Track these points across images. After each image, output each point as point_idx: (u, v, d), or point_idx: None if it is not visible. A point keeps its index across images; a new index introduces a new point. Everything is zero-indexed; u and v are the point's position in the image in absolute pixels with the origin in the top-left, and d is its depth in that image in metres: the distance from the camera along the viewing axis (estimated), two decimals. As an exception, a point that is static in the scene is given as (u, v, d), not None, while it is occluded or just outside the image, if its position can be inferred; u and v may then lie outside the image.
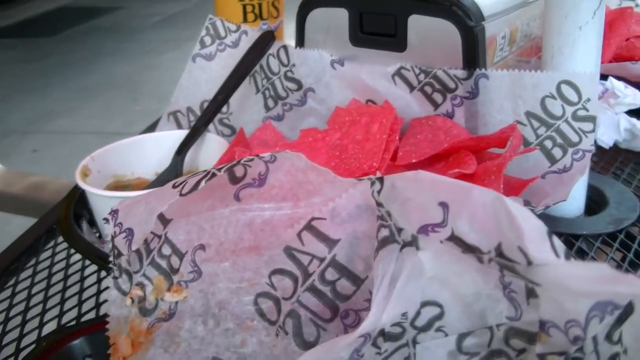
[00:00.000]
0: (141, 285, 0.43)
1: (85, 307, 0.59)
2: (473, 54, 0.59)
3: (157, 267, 0.42)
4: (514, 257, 0.31)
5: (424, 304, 0.37)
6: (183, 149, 0.66)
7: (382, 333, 0.36)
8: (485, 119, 0.59)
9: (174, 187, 0.39)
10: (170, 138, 0.68)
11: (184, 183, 0.39)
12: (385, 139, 0.55)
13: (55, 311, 0.60)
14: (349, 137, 0.57)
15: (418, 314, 0.37)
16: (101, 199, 0.58)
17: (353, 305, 0.40)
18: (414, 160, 0.54)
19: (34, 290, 0.64)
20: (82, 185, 0.59)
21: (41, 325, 0.58)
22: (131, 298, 0.43)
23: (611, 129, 0.82)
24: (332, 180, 0.39)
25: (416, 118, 0.61)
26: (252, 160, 0.39)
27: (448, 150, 0.54)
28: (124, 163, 0.68)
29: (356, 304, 0.40)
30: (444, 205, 0.34)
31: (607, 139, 0.82)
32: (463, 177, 0.50)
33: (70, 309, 0.59)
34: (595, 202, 0.67)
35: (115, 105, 3.76)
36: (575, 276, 0.30)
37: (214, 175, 0.38)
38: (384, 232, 0.37)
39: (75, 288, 0.62)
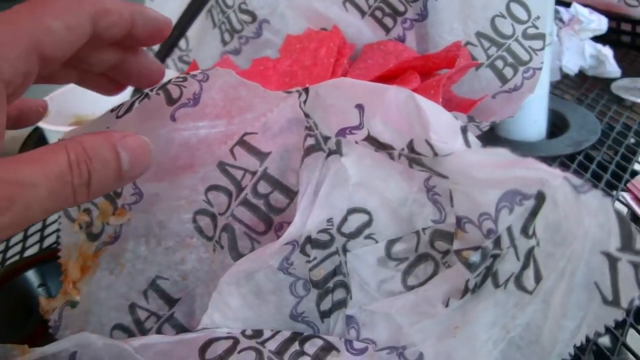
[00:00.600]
0: (87, 211, 0.43)
1: (29, 241, 0.60)
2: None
3: None
4: (421, 151, 0.32)
5: (351, 210, 0.37)
6: (141, 85, 0.66)
7: (309, 240, 0.37)
8: (436, 41, 0.59)
9: (112, 111, 0.39)
10: (129, 76, 0.68)
11: (120, 106, 0.39)
12: (332, 63, 0.55)
13: (18, 247, 0.61)
14: (298, 63, 0.57)
15: (345, 220, 0.37)
16: (58, 135, 0.59)
17: (287, 217, 0.40)
18: (361, 82, 0.54)
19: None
20: (41, 124, 0.59)
21: (4, 260, 0.59)
22: (79, 224, 0.43)
23: (576, 56, 0.82)
24: (262, 95, 0.39)
25: (368, 44, 0.61)
26: (185, 80, 0.38)
27: (395, 71, 0.54)
28: (84, 102, 0.68)
29: (290, 216, 0.40)
30: (359, 107, 0.34)
31: (572, 66, 0.82)
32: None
33: (32, 245, 0.60)
34: (557, 127, 0.68)
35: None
36: (478, 163, 0.30)
37: (147, 95, 0.38)
38: (310, 141, 0.37)
39: (38, 225, 0.63)
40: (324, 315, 0.38)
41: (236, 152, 0.39)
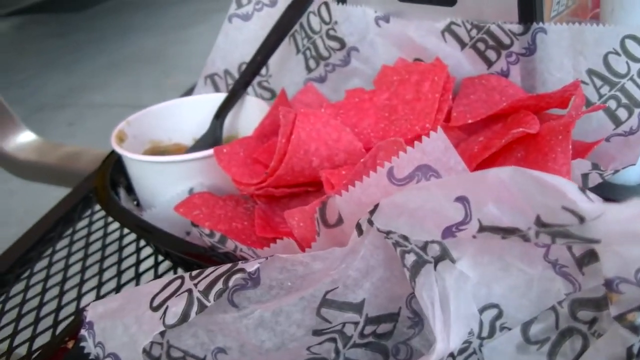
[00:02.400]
0: None
1: (125, 277, 0.57)
2: (530, 7, 0.55)
3: None
4: (561, 221, 0.28)
5: (480, 310, 0.35)
6: (222, 112, 0.63)
7: (452, 354, 0.34)
8: (544, 77, 0.55)
9: (153, 309, 0.36)
10: (208, 102, 0.66)
11: (165, 307, 0.35)
12: (437, 99, 0.51)
13: (94, 281, 0.58)
14: (398, 97, 0.54)
15: (481, 324, 0.35)
16: (139, 165, 0.56)
17: (399, 337, 0.38)
18: (469, 121, 0.50)
19: (71, 260, 0.62)
20: (119, 150, 0.57)
21: (79, 296, 0.57)
22: None
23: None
24: (333, 256, 0.36)
25: (468, 77, 0.58)
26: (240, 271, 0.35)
27: (506, 110, 0.50)
28: (161, 128, 0.66)
29: (401, 335, 0.38)
30: (462, 200, 0.31)
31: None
32: (525, 139, 0.46)
33: (109, 280, 0.58)
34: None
35: (146, 79, 3.75)
36: (634, 217, 0.27)
37: (203, 306, 0.34)
38: (411, 258, 0.34)
39: (114, 258, 0.60)
40: None
41: (326, 315, 0.37)
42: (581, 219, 0.28)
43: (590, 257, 0.33)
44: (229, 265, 0.37)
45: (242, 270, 0.35)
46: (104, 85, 3.74)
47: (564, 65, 0.54)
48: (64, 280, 0.59)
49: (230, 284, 0.35)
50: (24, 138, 1.25)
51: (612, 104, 0.53)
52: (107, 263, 0.60)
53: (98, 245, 0.63)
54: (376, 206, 0.34)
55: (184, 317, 0.35)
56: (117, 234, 0.64)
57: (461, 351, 0.35)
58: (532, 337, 0.35)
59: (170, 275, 0.39)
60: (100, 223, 0.67)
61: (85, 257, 0.62)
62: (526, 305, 0.35)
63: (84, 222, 0.68)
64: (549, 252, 0.34)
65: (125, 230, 0.63)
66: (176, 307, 0.35)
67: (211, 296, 0.35)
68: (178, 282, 0.37)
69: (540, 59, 0.55)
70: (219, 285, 0.35)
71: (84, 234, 0.66)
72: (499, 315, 0.35)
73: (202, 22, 4.53)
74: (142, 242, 0.61)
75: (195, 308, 0.35)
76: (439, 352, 0.32)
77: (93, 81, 3.83)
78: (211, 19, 4.54)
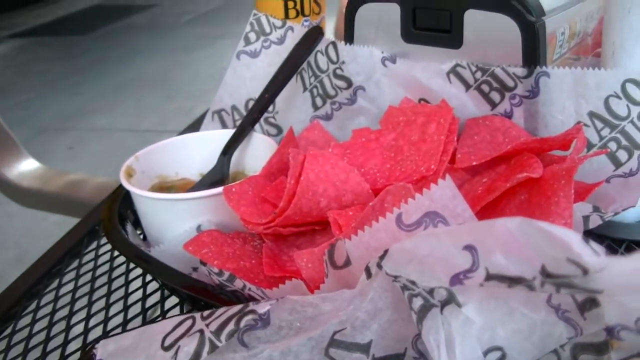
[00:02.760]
0: None
1: (132, 312, 0.57)
2: (534, 51, 0.56)
3: None
4: (565, 272, 0.29)
5: (484, 353, 0.36)
6: (229, 149, 0.64)
7: None
8: (546, 120, 0.57)
9: (165, 348, 0.37)
10: (215, 138, 0.67)
11: (177, 347, 0.36)
12: (443, 140, 0.52)
13: (100, 316, 0.58)
14: (404, 137, 0.55)
15: None
16: (146, 201, 0.57)
17: None
18: (474, 163, 0.51)
19: (77, 294, 0.63)
20: (128, 186, 0.58)
21: (86, 331, 0.57)
22: None
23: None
24: (342, 298, 0.37)
25: (472, 118, 0.59)
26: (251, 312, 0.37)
27: (509, 152, 0.51)
28: (168, 163, 0.66)
29: None
30: (470, 248, 0.32)
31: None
32: (528, 181, 0.47)
33: (115, 314, 0.58)
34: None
35: (150, 103, 3.78)
36: (635, 270, 0.28)
37: (214, 346, 0.36)
38: (418, 302, 0.35)
39: (120, 292, 0.61)
40: None
41: (334, 355, 0.37)
42: (585, 271, 0.29)
43: (591, 303, 0.34)
44: (240, 306, 0.37)
45: (253, 311, 0.36)
46: (106, 109, 3.77)
47: (565, 108, 0.56)
48: (71, 314, 0.60)
49: (242, 324, 0.36)
50: (27, 166, 1.26)
51: (613, 145, 0.54)
52: (113, 297, 0.60)
53: (104, 279, 0.64)
54: (386, 251, 0.35)
55: (196, 357, 0.35)
56: (123, 268, 0.64)
57: None
58: None
59: (181, 315, 0.39)
60: (107, 257, 0.67)
61: (91, 291, 0.62)
62: (529, 348, 0.36)
63: (90, 256, 0.69)
64: (552, 297, 0.34)
65: (132, 264, 0.64)
66: (188, 347, 0.36)
67: (223, 337, 0.35)
68: (190, 322, 0.38)
69: (543, 102, 0.56)
70: (231, 326, 0.36)
71: (91, 267, 0.66)
72: (503, 357, 0.36)
73: (206, 47, 4.57)
74: (149, 277, 0.61)
75: (207, 348, 0.35)
76: None
77: (95, 104, 3.86)
78: (214, 44, 4.59)
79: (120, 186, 0.63)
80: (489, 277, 0.32)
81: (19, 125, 3.50)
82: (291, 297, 0.37)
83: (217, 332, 0.35)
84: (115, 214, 0.60)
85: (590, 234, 0.57)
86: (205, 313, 0.37)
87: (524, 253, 0.30)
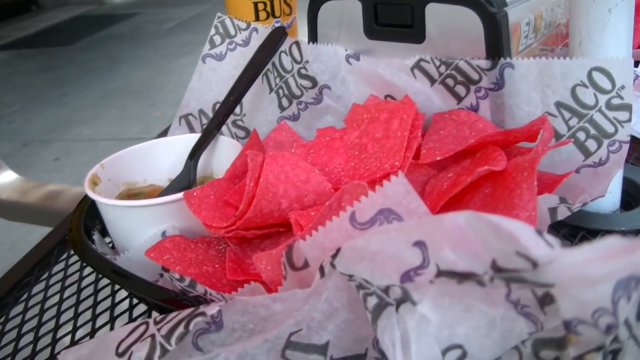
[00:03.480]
0: None
1: (99, 321, 0.56)
2: (496, 43, 0.56)
3: None
4: (515, 266, 0.28)
5: (443, 351, 0.35)
6: (195, 153, 0.63)
7: None
8: (512, 111, 0.56)
9: (119, 355, 0.36)
10: (182, 142, 0.66)
11: (130, 353, 0.36)
12: (407, 136, 0.51)
13: (68, 326, 0.57)
14: (368, 135, 0.54)
15: None
16: (111, 209, 0.56)
17: None
18: (438, 158, 0.51)
19: (46, 305, 0.62)
20: (91, 194, 0.57)
21: (54, 341, 0.56)
22: None
23: (644, 118, 0.78)
24: (294, 298, 0.37)
25: (438, 113, 0.58)
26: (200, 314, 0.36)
27: (474, 146, 0.50)
28: (135, 170, 0.65)
29: None
30: (419, 244, 0.31)
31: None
32: (492, 175, 0.46)
33: (84, 324, 0.57)
34: (631, 196, 0.63)
35: (134, 112, 3.76)
36: (586, 261, 0.27)
37: (165, 351, 0.35)
38: (373, 300, 0.34)
39: (89, 302, 0.60)
40: None
41: (290, 357, 0.37)
42: (534, 264, 0.28)
43: (551, 297, 0.33)
44: (190, 309, 0.36)
45: (202, 313, 0.35)
46: (91, 119, 3.75)
47: (532, 99, 0.55)
48: (39, 325, 0.59)
49: (191, 327, 0.35)
50: (5, 178, 1.25)
51: (581, 135, 0.53)
52: (82, 307, 0.59)
53: (74, 289, 0.63)
54: (338, 250, 0.34)
55: None
56: (92, 277, 0.63)
57: None
58: None
59: (136, 322, 0.39)
60: (76, 266, 0.66)
61: (60, 301, 0.61)
62: (490, 345, 0.35)
63: (60, 266, 0.68)
64: (511, 293, 0.33)
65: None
66: (140, 352, 0.35)
67: (172, 340, 0.35)
68: (143, 327, 0.37)
69: (509, 94, 0.55)
70: (180, 329, 0.35)
71: (60, 277, 0.65)
72: (463, 355, 0.35)
73: (189, 54, 4.56)
74: (117, 285, 0.60)
75: (157, 353, 0.35)
76: None
77: (80, 115, 3.84)
78: (198, 51, 4.53)
79: (87, 196, 0.62)
80: (440, 273, 0.31)
81: (4, 138, 3.48)
82: (241, 298, 0.36)
83: (167, 336, 0.35)
84: (81, 224, 0.59)
85: (565, 226, 0.57)
86: (158, 318, 0.37)
87: (473, 247, 0.30)
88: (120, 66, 4.73)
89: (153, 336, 0.35)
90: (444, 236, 0.30)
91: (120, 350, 0.36)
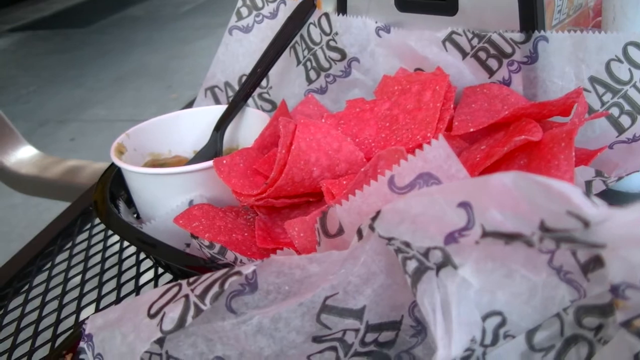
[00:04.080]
0: None
1: (125, 290, 0.56)
2: (531, 15, 0.55)
3: None
4: (565, 226, 0.27)
5: (483, 317, 0.34)
6: (222, 124, 0.63)
7: None
8: (545, 86, 0.55)
9: (151, 316, 0.36)
10: (208, 114, 0.65)
11: (162, 314, 0.35)
12: (439, 108, 0.51)
13: (93, 295, 0.57)
14: (399, 106, 0.53)
15: (484, 332, 0.34)
16: (138, 177, 0.56)
17: (401, 345, 0.38)
18: (471, 130, 0.50)
19: (70, 274, 0.62)
20: (118, 162, 0.56)
21: (78, 309, 0.56)
22: None
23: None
24: (330, 260, 0.36)
25: (470, 86, 0.57)
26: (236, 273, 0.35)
27: (508, 118, 0.50)
28: (161, 140, 0.65)
29: (404, 343, 0.38)
30: (464, 205, 0.30)
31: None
32: (527, 146, 0.46)
33: (108, 293, 0.57)
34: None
35: (150, 94, 3.77)
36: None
37: (199, 310, 0.34)
38: (413, 264, 0.33)
39: (114, 271, 0.60)
40: None
41: (325, 321, 0.36)
42: (586, 224, 0.27)
43: (595, 263, 0.32)
44: (225, 269, 0.36)
45: (238, 273, 0.35)
46: (107, 100, 3.75)
47: (565, 73, 0.54)
48: (63, 293, 0.59)
49: (226, 287, 0.34)
50: (25, 153, 1.25)
51: (615, 111, 0.52)
52: (106, 276, 0.59)
53: (97, 258, 0.63)
54: (378, 212, 0.34)
55: (181, 322, 0.34)
56: (116, 247, 0.63)
57: (464, 359, 0.34)
58: (537, 344, 0.34)
59: (168, 284, 0.38)
60: (100, 236, 0.66)
61: (84, 270, 0.61)
62: (530, 312, 0.34)
63: (83, 236, 0.68)
64: (553, 259, 0.33)
65: (125, 243, 0.63)
66: (173, 313, 0.35)
67: (207, 300, 0.34)
68: (176, 289, 0.37)
69: (542, 67, 0.55)
70: (215, 288, 0.34)
71: (84, 247, 0.65)
72: (503, 323, 0.34)
73: (206, 37, 4.55)
74: (142, 255, 0.60)
75: (191, 312, 0.34)
76: (440, 359, 0.31)
77: (96, 96, 3.85)
78: (214, 33, 4.55)
79: (112, 165, 0.62)
80: (485, 234, 0.30)
81: (20, 118, 3.49)
82: (277, 258, 0.36)
83: (202, 296, 0.34)
84: (106, 193, 0.58)
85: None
86: (192, 279, 0.36)
87: (520, 208, 0.29)
88: (136, 49, 4.73)
89: (187, 296, 0.35)
90: (490, 197, 0.29)
91: (152, 311, 0.36)
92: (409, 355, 0.38)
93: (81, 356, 0.38)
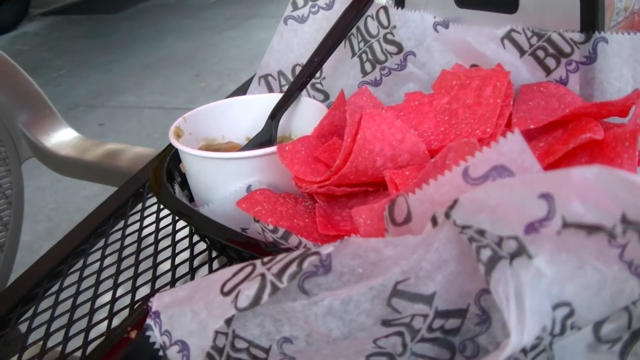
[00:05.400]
0: None
1: (179, 272, 0.58)
2: (592, 16, 0.55)
3: None
4: None
5: (554, 307, 0.35)
6: (277, 113, 0.64)
7: (524, 350, 0.34)
8: (603, 87, 0.55)
9: (224, 294, 0.36)
10: (262, 102, 0.66)
11: (237, 291, 0.36)
12: (499, 104, 0.51)
13: (147, 275, 0.58)
14: (458, 101, 0.54)
15: (554, 322, 0.35)
16: (196, 160, 0.57)
17: (466, 334, 0.38)
18: (531, 127, 0.50)
19: (124, 254, 0.63)
20: (177, 145, 0.58)
21: (134, 289, 0.57)
22: None
23: None
24: (405, 244, 0.36)
25: (526, 84, 0.58)
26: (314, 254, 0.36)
27: (568, 116, 0.50)
28: (215, 126, 0.66)
29: (468, 331, 0.38)
30: (546, 197, 0.31)
31: None
32: (589, 145, 0.46)
33: (163, 274, 0.58)
34: None
35: (178, 81, 3.79)
36: None
37: (276, 289, 0.35)
38: (487, 253, 0.34)
39: (167, 252, 0.61)
40: None
41: (396, 305, 0.37)
42: None
43: None
44: (302, 250, 0.37)
45: (316, 253, 0.36)
46: (135, 87, 3.79)
47: (623, 75, 0.54)
48: (118, 272, 0.60)
49: (305, 266, 0.35)
50: (65, 135, 1.27)
51: (672, 114, 0.53)
52: (160, 257, 0.60)
53: (151, 239, 0.64)
54: (455, 201, 0.34)
55: (256, 300, 0.35)
56: (169, 229, 0.65)
57: (533, 347, 0.35)
58: (604, 336, 0.35)
59: (241, 264, 0.39)
60: (152, 218, 0.67)
61: (137, 251, 0.63)
62: (598, 304, 0.35)
63: (135, 217, 0.69)
64: (624, 252, 0.33)
65: (178, 226, 0.64)
66: (249, 291, 0.35)
67: (284, 278, 0.35)
68: (250, 268, 0.38)
69: (600, 68, 0.55)
70: (293, 267, 0.35)
71: (136, 228, 0.67)
72: (571, 313, 0.35)
73: (235, 27, 4.57)
74: (196, 238, 0.61)
75: (267, 291, 0.35)
76: (513, 345, 0.32)
77: (125, 82, 3.88)
78: (243, 24, 4.58)
79: (167, 147, 0.63)
80: (566, 225, 0.31)
81: (51, 101, 3.53)
82: (354, 240, 0.36)
83: (279, 275, 0.35)
84: (163, 173, 0.60)
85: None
86: (266, 259, 0.37)
87: (602, 201, 0.30)
88: (165, 36, 4.76)
89: (263, 275, 0.36)
90: (571, 189, 0.30)
91: (226, 289, 0.37)
92: (473, 343, 0.39)
93: (147, 332, 0.39)
